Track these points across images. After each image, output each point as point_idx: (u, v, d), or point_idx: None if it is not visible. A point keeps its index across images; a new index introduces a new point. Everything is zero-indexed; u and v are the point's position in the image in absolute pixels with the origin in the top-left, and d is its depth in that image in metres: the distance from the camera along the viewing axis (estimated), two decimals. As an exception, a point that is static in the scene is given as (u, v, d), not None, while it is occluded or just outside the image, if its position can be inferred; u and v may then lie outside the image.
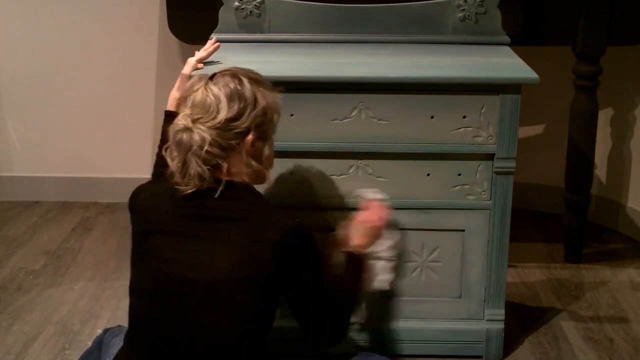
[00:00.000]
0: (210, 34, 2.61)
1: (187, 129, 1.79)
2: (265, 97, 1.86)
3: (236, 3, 2.62)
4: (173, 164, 1.81)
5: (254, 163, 1.85)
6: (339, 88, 2.25)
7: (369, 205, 2.15)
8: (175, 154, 1.81)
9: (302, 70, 2.30)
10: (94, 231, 3.35)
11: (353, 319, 2.01)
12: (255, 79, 1.88)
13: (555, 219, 3.36)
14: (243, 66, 2.30)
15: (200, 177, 1.77)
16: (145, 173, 3.59)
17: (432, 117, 2.27)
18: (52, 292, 2.85)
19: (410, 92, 2.25)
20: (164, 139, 2.19)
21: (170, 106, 2.22)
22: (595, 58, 2.86)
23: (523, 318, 2.69)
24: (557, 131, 3.36)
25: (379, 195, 2.23)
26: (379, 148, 2.29)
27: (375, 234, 2.11)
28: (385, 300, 2.36)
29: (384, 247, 2.22)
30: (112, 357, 1.98)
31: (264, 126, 1.87)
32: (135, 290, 1.85)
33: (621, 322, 2.67)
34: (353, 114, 2.27)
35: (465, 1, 2.61)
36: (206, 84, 1.83)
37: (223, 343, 1.76)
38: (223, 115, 1.79)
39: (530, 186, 3.45)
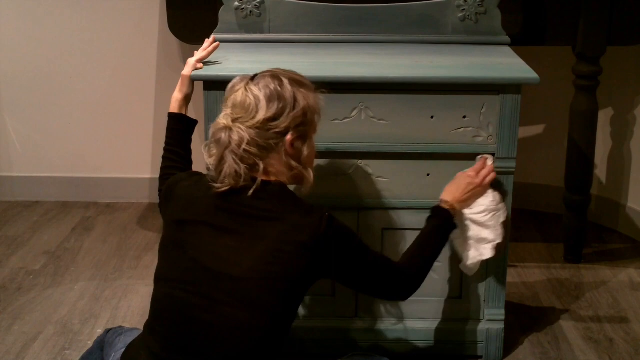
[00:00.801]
0: (210, 34, 2.61)
1: (226, 128, 1.83)
2: (305, 98, 1.89)
3: (236, 3, 2.62)
4: (210, 160, 1.86)
5: (293, 163, 1.88)
6: (339, 88, 2.24)
7: (477, 164, 2.22)
8: (213, 150, 1.85)
9: (302, 70, 2.29)
10: (94, 231, 3.35)
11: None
12: (296, 80, 1.91)
13: (555, 219, 3.36)
14: (243, 66, 2.30)
15: (236, 174, 1.81)
16: (145, 173, 3.62)
17: (432, 117, 2.27)
18: (52, 292, 2.85)
19: (410, 92, 2.25)
20: (169, 142, 2.20)
21: (173, 108, 2.23)
22: (595, 58, 2.86)
23: (523, 318, 2.69)
24: (557, 131, 3.36)
25: (487, 156, 2.26)
26: (379, 148, 2.29)
27: (472, 193, 2.19)
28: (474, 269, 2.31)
29: (483, 207, 2.22)
30: (119, 353, 1.99)
31: (304, 127, 1.90)
32: (162, 278, 1.87)
33: (621, 322, 2.67)
34: (353, 114, 2.27)
35: (465, 1, 2.61)
36: (247, 84, 1.87)
37: (242, 338, 1.77)
38: (262, 115, 1.83)
39: (530, 186, 3.45)
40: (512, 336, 2.56)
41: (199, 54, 2.31)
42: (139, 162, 3.58)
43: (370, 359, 2.18)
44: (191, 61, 2.28)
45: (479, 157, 2.28)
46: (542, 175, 3.47)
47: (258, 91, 1.85)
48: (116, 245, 3.22)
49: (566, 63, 3.00)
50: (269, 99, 1.84)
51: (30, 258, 3.12)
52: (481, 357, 2.45)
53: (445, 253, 2.38)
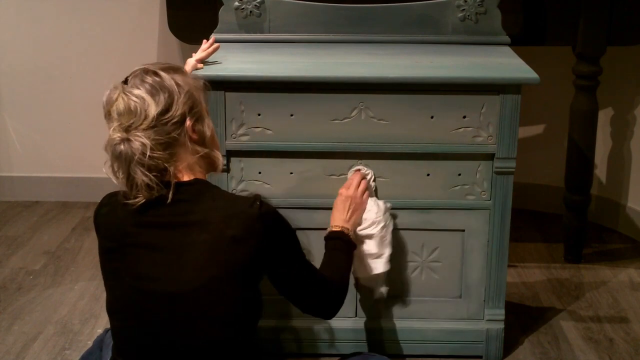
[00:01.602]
0: (211, 34, 2.61)
1: (123, 140, 1.70)
2: (184, 81, 1.78)
3: (236, 3, 2.62)
4: (118, 179, 1.73)
5: (199, 148, 1.78)
6: (339, 88, 2.25)
7: (349, 178, 2.18)
8: (117, 168, 1.72)
9: (302, 70, 2.30)
10: (93, 231, 3.33)
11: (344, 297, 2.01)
12: (168, 67, 1.79)
13: (555, 219, 3.36)
14: (243, 66, 2.30)
15: (148, 186, 1.70)
16: (145, 173, 3.61)
17: (432, 117, 2.27)
18: (52, 292, 2.85)
19: (410, 92, 2.25)
20: None
21: None
22: (595, 58, 2.86)
23: (523, 318, 2.69)
24: (557, 131, 3.36)
25: (360, 168, 2.25)
26: (379, 148, 2.29)
27: (353, 207, 2.12)
28: (382, 289, 2.32)
29: (369, 222, 2.21)
30: None
31: (197, 107, 1.79)
32: (111, 311, 1.80)
33: (621, 322, 2.67)
34: (353, 114, 2.27)
35: (465, 1, 2.61)
36: (122, 90, 1.73)
37: (208, 352, 1.72)
38: (153, 111, 1.70)
39: (530, 186, 3.45)
40: (512, 336, 2.56)
41: (199, 54, 2.30)
42: (139, 162, 3.58)
43: (370, 359, 2.18)
44: (191, 61, 2.27)
45: (352, 169, 2.27)
46: (542, 175, 3.47)
47: (138, 90, 1.71)
48: (116, 245, 3.22)
49: (566, 63, 3.00)
50: (153, 93, 1.71)
51: (30, 258, 3.12)
52: (481, 357, 2.45)
53: (446, 253, 2.38)
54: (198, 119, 1.78)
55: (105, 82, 3.68)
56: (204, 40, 2.37)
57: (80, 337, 2.57)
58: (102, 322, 2.64)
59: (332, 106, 2.26)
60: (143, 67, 1.78)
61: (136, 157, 1.68)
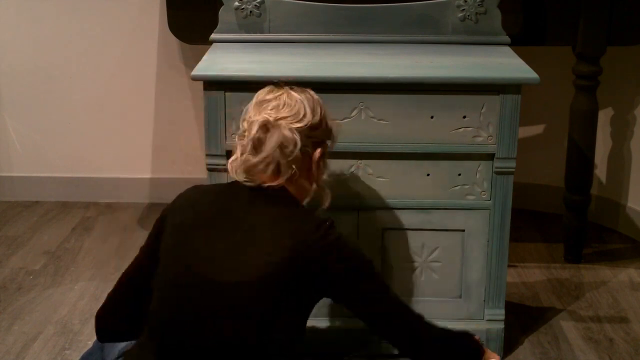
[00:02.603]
0: (211, 34, 2.62)
1: (271, 124, 1.80)
2: (329, 120, 1.92)
3: (236, 3, 2.62)
4: (248, 158, 1.80)
5: (312, 180, 1.88)
6: (339, 88, 2.25)
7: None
8: (251, 150, 1.81)
9: (302, 70, 2.30)
10: (94, 231, 3.35)
11: None
12: (322, 101, 1.92)
13: (555, 219, 3.36)
14: (243, 66, 2.30)
15: (276, 171, 1.79)
16: (145, 173, 3.62)
17: (432, 117, 2.27)
18: (52, 292, 2.85)
19: (410, 92, 2.25)
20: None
21: None
22: (595, 58, 2.86)
23: (523, 318, 2.69)
24: (557, 131, 3.36)
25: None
26: (379, 148, 2.29)
27: None
28: None
29: None
30: (120, 352, 1.98)
31: (328, 144, 1.92)
32: (158, 285, 1.82)
33: (621, 322, 2.67)
34: (353, 114, 2.27)
35: (465, 1, 2.61)
36: (290, 89, 1.87)
37: (238, 350, 1.73)
38: (309, 119, 1.83)
39: (530, 186, 3.45)
40: (512, 336, 2.56)
41: None
42: (139, 162, 3.58)
43: (370, 359, 2.18)
44: None
45: None
46: (542, 175, 3.47)
47: (301, 96, 1.85)
48: (116, 245, 3.22)
49: (566, 63, 3.00)
50: (312, 107, 1.85)
51: (30, 258, 3.12)
52: (481, 357, 2.45)
53: (446, 253, 2.38)
54: (325, 154, 1.90)
55: (105, 82, 3.70)
56: None
57: (80, 337, 2.57)
58: (102, 322, 2.64)
59: (332, 106, 2.26)
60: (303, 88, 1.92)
61: (289, 146, 1.78)
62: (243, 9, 2.62)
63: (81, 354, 2.28)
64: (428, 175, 2.32)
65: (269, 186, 1.81)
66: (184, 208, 1.85)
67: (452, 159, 2.30)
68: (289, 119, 1.82)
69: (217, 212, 1.81)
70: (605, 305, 2.78)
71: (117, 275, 2.90)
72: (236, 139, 1.91)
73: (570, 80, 2.97)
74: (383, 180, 2.32)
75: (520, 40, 2.77)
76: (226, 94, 2.25)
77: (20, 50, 3.48)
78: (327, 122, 1.91)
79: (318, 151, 1.86)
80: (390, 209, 2.34)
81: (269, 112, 1.82)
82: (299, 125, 1.82)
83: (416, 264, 2.39)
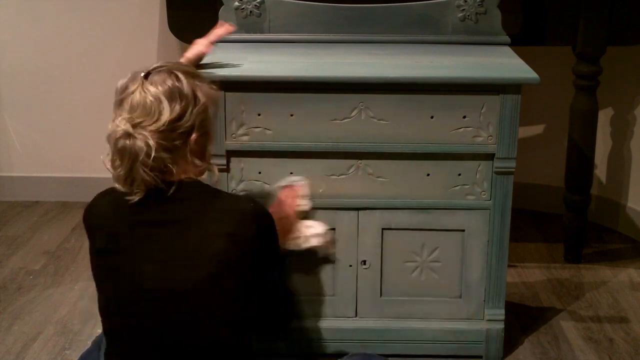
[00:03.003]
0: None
1: (128, 135, 1.68)
2: (203, 92, 1.76)
3: (236, 3, 2.62)
4: (116, 172, 1.71)
5: (198, 162, 1.76)
6: (339, 88, 2.25)
7: (280, 195, 2.04)
8: (118, 162, 1.70)
9: (302, 70, 2.30)
10: (94, 231, 3.35)
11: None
12: (192, 73, 1.78)
13: (555, 219, 3.36)
14: (243, 66, 2.30)
15: (148, 183, 1.69)
16: (145, 173, 3.61)
17: (432, 117, 2.27)
18: (52, 292, 2.85)
19: (410, 92, 2.25)
20: None
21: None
22: (595, 58, 2.86)
23: (523, 318, 2.69)
24: (557, 131, 3.36)
25: (292, 181, 2.14)
26: (379, 148, 2.29)
27: (287, 227, 2.02)
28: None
29: (310, 240, 2.09)
30: None
31: (206, 122, 1.77)
32: (105, 310, 1.77)
33: (621, 322, 2.67)
34: (353, 114, 2.27)
35: (465, 1, 2.61)
36: (142, 84, 1.71)
37: (206, 350, 1.70)
38: (166, 117, 1.68)
39: (530, 186, 3.45)
40: (512, 336, 2.56)
41: (211, 36, 2.26)
42: (139, 162, 3.58)
43: (370, 359, 2.18)
44: (202, 44, 2.23)
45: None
46: (542, 175, 3.47)
47: (156, 90, 1.69)
48: (116, 245, 3.22)
49: (566, 63, 3.00)
50: (170, 98, 1.69)
51: (30, 258, 3.12)
52: (481, 357, 2.45)
53: (446, 253, 2.38)
54: (204, 134, 1.77)
55: (105, 82, 3.69)
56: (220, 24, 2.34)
57: (80, 337, 2.57)
58: (102, 322, 2.64)
59: (332, 106, 2.26)
60: (169, 64, 1.76)
61: (141, 156, 1.66)
62: (243, 9, 2.62)
63: (81, 354, 2.28)
64: (428, 175, 2.32)
65: (160, 188, 1.71)
66: (99, 232, 1.76)
67: (452, 159, 2.30)
68: (144, 123, 1.68)
69: (133, 224, 1.72)
70: (605, 305, 2.78)
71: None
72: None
73: (570, 80, 2.97)
74: (383, 180, 2.32)
75: (520, 40, 2.77)
76: (226, 94, 2.25)
77: (20, 50, 3.48)
78: (196, 103, 1.73)
79: (192, 137, 1.73)
80: (390, 209, 2.34)
81: (125, 116, 1.70)
82: (155, 127, 1.68)
83: (416, 264, 2.39)
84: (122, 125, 1.70)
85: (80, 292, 2.85)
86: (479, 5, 2.61)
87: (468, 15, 2.62)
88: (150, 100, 1.69)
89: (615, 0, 2.80)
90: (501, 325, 2.43)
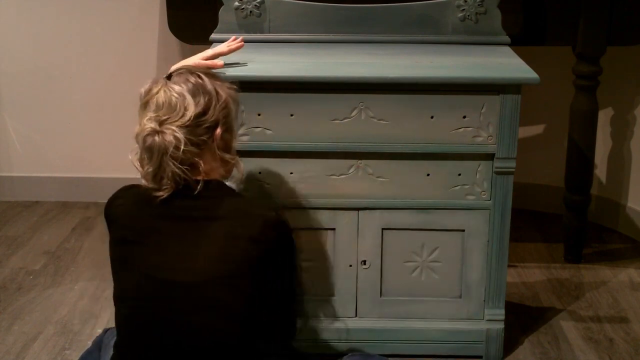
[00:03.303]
0: (211, 34, 2.61)
1: (156, 132, 1.74)
2: (224, 90, 1.85)
3: (236, 3, 2.62)
4: (145, 170, 1.77)
5: (227, 156, 1.84)
6: (339, 88, 2.25)
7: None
8: (147, 160, 1.75)
9: (302, 70, 2.30)
10: (94, 231, 3.35)
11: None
12: (211, 74, 1.87)
13: (555, 219, 3.36)
14: (243, 66, 2.30)
15: (178, 178, 1.74)
16: (145, 173, 3.61)
17: (432, 117, 2.27)
18: (52, 292, 2.85)
19: (410, 92, 2.25)
20: None
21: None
22: (595, 58, 2.86)
23: (523, 318, 2.69)
24: (557, 131, 3.36)
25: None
26: (379, 148, 2.29)
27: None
28: None
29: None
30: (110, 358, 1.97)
31: (229, 118, 1.85)
32: (121, 299, 1.80)
33: (621, 322, 2.67)
34: (353, 114, 2.27)
35: (465, 1, 2.61)
36: (166, 84, 1.79)
37: (216, 344, 1.73)
38: (191, 111, 1.76)
39: (530, 186, 3.45)
40: (512, 336, 2.56)
41: (221, 47, 2.28)
42: (139, 162, 3.58)
43: (370, 359, 2.18)
44: (208, 52, 2.25)
45: None
46: (542, 175, 3.47)
47: (180, 88, 1.77)
48: (116, 245, 3.22)
49: (566, 63, 3.00)
50: (194, 94, 1.77)
51: (30, 258, 3.12)
52: (481, 357, 2.45)
53: (446, 253, 2.38)
54: (228, 129, 1.85)
55: (105, 82, 3.70)
56: (233, 38, 2.36)
57: (80, 337, 2.57)
58: (102, 322, 2.64)
59: (332, 106, 2.26)
60: (187, 67, 1.85)
61: (170, 150, 1.72)
62: (243, 9, 2.62)
63: (81, 354, 2.28)
64: (428, 175, 2.32)
65: (204, 180, 1.77)
66: (122, 222, 1.81)
67: (452, 159, 2.30)
68: (170, 119, 1.75)
69: (156, 217, 1.77)
70: (605, 305, 2.78)
71: (117, 275, 2.87)
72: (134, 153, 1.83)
73: (570, 80, 2.97)
74: (383, 180, 2.32)
75: (520, 40, 2.77)
76: (226, 94, 2.25)
77: (20, 50, 3.48)
78: (219, 99, 1.82)
79: (217, 132, 1.81)
80: (390, 209, 2.34)
81: (151, 116, 1.76)
82: (181, 122, 1.75)
83: (416, 264, 2.39)
84: (149, 123, 1.75)
85: (80, 292, 2.85)
86: (479, 5, 2.60)
87: (468, 15, 2.62)
88: (176, 97, 1.76)
89: (615, 0, 2.80)
90: (501, 325, 2.43)
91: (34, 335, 2.58)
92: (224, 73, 2.20)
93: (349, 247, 2.37)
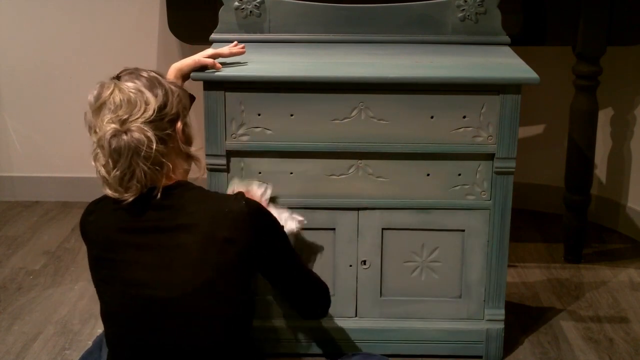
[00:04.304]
0: (211, 34, 2.61)
1: (121, 132, 1.64)
2: (174, 84, 1.78)
3: (236, 3, 2.62)
4: (111, 175, 1.67)
5: (190, 151, 1.77)
6: (339, 88, 2.25)
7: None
8: (112, 164, 1.66)
9: (302, 70, 2.30)
10: (94, 231, 3.35)
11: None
12: (155, 71, 1.78)
13: (555, 219, 3.36)
14: (243, 66, 2.30)
15: (146, 180, 1.66)
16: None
17: (432, 117, 2.27)
18: (52, 292, 2.85)
19: (410, 92, 2.25)
20: None
21: (170, 77, 2.13)
22: (595, 58, 2.86)
23: (523, 318, 2.69)
24: (557, 131, 3.36)
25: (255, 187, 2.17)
26: (379, 148, 2.29)
27: None
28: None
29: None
30: None
31: (186, 111, 1.78)
32: (106, 318, 1.78)
33: (621, 322, 2.67)
34: (353, 114, 2.27)
35: (465, 1, 2.61)
36: (117, 84, 1.71)
37: (204, 354, 1.71)
38: (153, 104, 1.67)
39: (530, 186, 3.45)
40: (512, 336, 2.56)
41: (223, 49, 2.27)
42: (139, 162, 3.58)
43: (370, 359, 2.18)
44: (209, 51, 2.24)
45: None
46: (542, 175, 3.47)
47: (135, 84, 1.69)
48: (116, 245, 3.22)
49: (566, 63, 3.00)
50: (151, 88, 1.69)
51: (30, 258, 3.12)
52: (481, 357, 2.45)
53: (446, 253, 2.38)
54: (187, 122, 1.78)
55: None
56: (235, 43, 2.35)
57: (80, 337, 2.57)
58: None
59: (332, 106, 2.26)
60: (130, 68, 1.77)
61: (142, 150, 1.63)
62: (243, 9, 2.62)
63: (81, 354, 2.28)
64: (428, 175, 2.32)
65: (164, 187, 1.70)
66: (96, 241, 1.76)
67: (452, 159, 2.30)
68: (132, 116, 1.66)
69: (126, 232, 1.72)
70: (605, 305, 2.78)
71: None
72: (93, 154, 1.73)
73: (570, 80, 2.97)
74: (383, 180, 2.32)
75: (520, 40, 2.77)
76: (226, 94, 2.25)
77: (20, 50, 3.48)
78: (173, 92, 1.74)
79: (178, 125, 1.74)
80: (390, 209, 2.34)
81: (110, 117, 1.67)
82: (144, 117, 1.66)
83: (416, 264, 2.39)
84: (110, 124, 1.66)
85: (80, 292, 2.85)
86: (479, 5, 2.60)
87: (468, 15, 2.62)
88: (134, 93, 1.68)
89: (615, 0, 2.80)
90: (501, 325, 2.43)
91: (34, 335, 2.58)
92: (222, 72, 2.21)
93: (349, 247, 2.37)
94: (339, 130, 2.28)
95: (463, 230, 2.36)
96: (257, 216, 1.74)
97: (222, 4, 2.63)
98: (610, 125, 3.30)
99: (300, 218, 2.19)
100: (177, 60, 2.26)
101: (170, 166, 1.70)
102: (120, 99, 1.68)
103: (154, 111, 1.67)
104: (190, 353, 1.71)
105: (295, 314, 2.09)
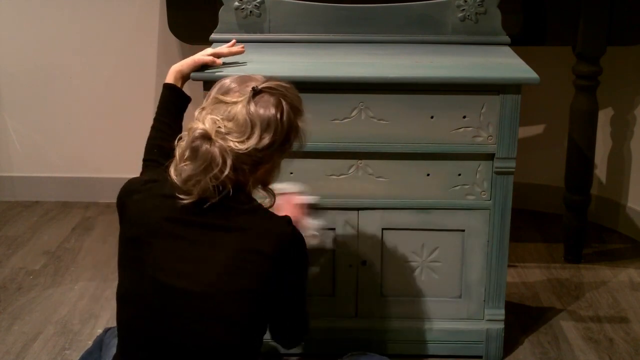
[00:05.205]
0: (211, 34, 2.61)
1: (207, 138, 1.67)
2: (297, 130, 1.77)
3: (236, 3, 2.62)
4: (181, 163, 1.69)
5: (261, 190, 1.80)
6: (339, 88, 2.25)
7: (282, 200, 2.03)
8: (189, 158, 1.68)
9: (302, 70, 2.30)
10: (94, 231, 3.35)
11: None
12: (297, 108, 1.77)
13: (555, 219, 3.36)
14: (242, 66, 2.30)
15: (205, 192, 1.68)
16: (145, 173, 3.60)
17: (432, 117, 2.27)
18: (52, 292, 2.85)
19: (410, 92, 2.25)
20: (161, 112, 2.11)
21: (169, 79, 2.14)
22: (595, 58, 2.86)
23: (523, 318, 2.69)
24: (557, 131, 3.36)
25: (291, 188, 2.14)
26: (379, 148, 2.29)
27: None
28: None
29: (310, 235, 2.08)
30: (112, 358, 1.97)
31: (282, 158, 1.80)
32: (125, 299, 1.78)
33: (621, 322, 2.67)
34: (353, 114, 2.27)
35: (465, 1, 2.61)
36: (249, 101, 1.70)
37: (216, 354, 1.72)
38: (253, 143, 1.68)
39: (530, 186, 3.45)
40: (512, 336, 2.56)
41: (221, 48, 2.27)
42: (138, 162, 3.57)
43: (370, 359, 2.18)
44: (208, 51, 2.24)
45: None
46: (542, 175, 3.47)
47: (257, 114, 1.69)
48: (116, 245, 3.19)
49: (566, 63, 3.00)
50: (265, 129, 1.69)
51: (30, 258, 3.12)
52: (481, 357, 2.45)
53: (446, 253, 2.38)
54: (274, 167, 1.79)
55: (105, 82, 3.69)
56: (234, 41, 2.35)
57: (80, 337, 2.57)
58: (102, 322, 2.64)
59: (332, 106, 2.26)
60: (280, 90, 1.74)
61: (214, 169, 1.65)
62: (243, 9, 2.62)
63: (81, 354, 2.28)
64: (428, 175, 2.32)
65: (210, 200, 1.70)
66: (135, 220, 1.76)
67: (452, 159, 2.30)
68: (230, 136, 1.68)
69: (170, 220, 1.72)
70: (605, 305, 2.78)
71: (117, 275, 2.91)
72: (180, 137, 1.75)
73: (570, 80, 2.97)
74: (383, 180, 2.32)
75: (520, 40, 2.77)
76: (226, 94, 2.25)
77: (20, 50, 3.48)
78: (286, 139, 1.74)
79: (260, 171, 1.75)
80: (390, 208, 2.34)
81: (213, 118, 1.69)
82: (235, 146, 1.67)
83: (416, 264, 2.39)
84: (208, 124, 1.68)
85: (80, 292, 2.85)
86: (479, 5, 2.60)
87: (468, 15, 2.62)
88: (246, 120, 1.68)
89: (615, 0, 2.80)
90: (501, 325, 2.43)
91: (34, 335, 2.58)
92: (222, 72, 2.21)
93: (349, 247, 2.37)
94: (339, 130, 2.28)
95: (463, 230, 2.36)
96: (297, 245, 1.76)
97: (222, 4, 2.63)
98: (610, 125, 3.30)
99: (316, 233, 2.16)
100: (177, 61, 2.26)
101: (230, 187, 1.70)
102: (235, 114, 1.69)
103: (247, 149, 1.68)
104: (201, 349, 1.71)
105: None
